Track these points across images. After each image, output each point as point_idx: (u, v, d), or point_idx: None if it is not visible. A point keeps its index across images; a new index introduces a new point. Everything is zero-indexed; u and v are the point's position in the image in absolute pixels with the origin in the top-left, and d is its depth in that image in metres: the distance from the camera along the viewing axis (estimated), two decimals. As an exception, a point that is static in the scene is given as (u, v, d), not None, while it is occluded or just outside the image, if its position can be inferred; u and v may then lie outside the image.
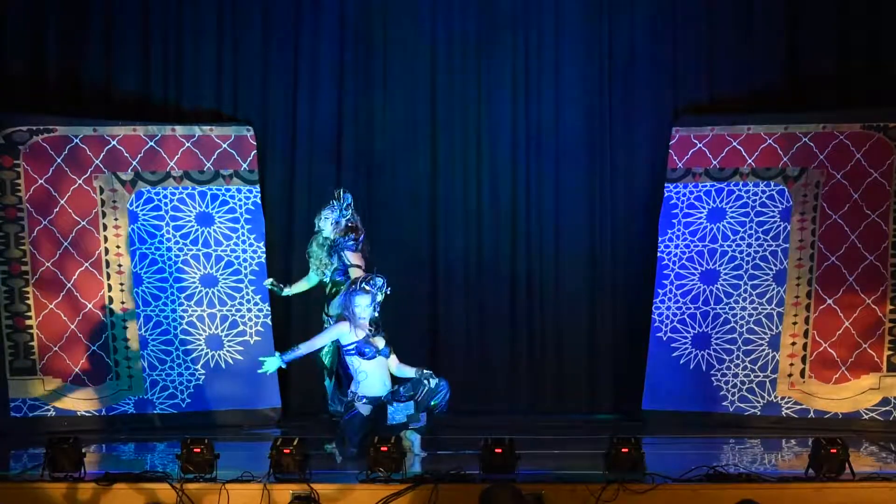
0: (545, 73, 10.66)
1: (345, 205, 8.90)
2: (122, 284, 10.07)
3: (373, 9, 10.66)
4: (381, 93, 10.68)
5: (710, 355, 10.19)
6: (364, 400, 8.17)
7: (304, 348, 8.29)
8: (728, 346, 10.16)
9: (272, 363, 8.19)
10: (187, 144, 10.26)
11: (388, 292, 8.30)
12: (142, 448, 9.23)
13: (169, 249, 10.20)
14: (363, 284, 8.23)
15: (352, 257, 8.79)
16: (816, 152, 10.06)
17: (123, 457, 9.05)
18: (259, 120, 10.55)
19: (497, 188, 10.72)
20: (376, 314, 8.29)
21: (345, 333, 8.22)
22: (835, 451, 7.01)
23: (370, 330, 8.24)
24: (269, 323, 10.25)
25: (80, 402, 9.90)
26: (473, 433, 8.29)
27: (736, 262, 10.20)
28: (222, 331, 10.22)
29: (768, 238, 10.15)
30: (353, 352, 8.21)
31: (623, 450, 7.00)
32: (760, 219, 10.18)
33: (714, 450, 8.95)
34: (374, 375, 8.21)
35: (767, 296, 10.12)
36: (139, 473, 7.23)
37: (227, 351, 10.21)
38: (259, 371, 8.31)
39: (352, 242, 8.81)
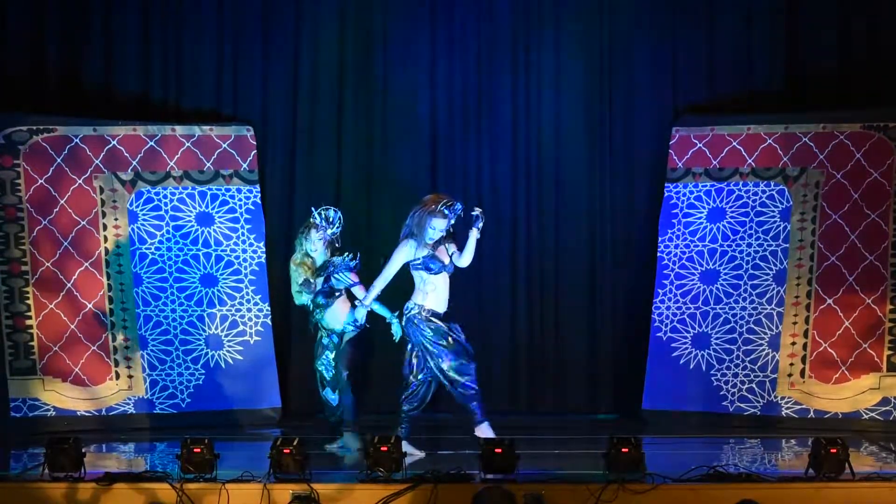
0: (545, 73, 10.65)
1: (338, 221, 8.72)
2: (122, 284, 10.08)
3: (373, 9, 10.66)
4: (381, 93, 10.68)
5: (710, 355, 10.19)
6: (429, 314, 8.30)
7: (379, 283, 8.38)
8: (728, 346, 10.16)
9: (361, 313, 8.45)
10: (187, 144, 10.26)
11: (461, 215, 8.43)
12: (142, 448, 9.23)
13: (169, 249, 10.20)
14: (443, 208, 8.30)
15: (352, 277, 8.70)
16: (816, 152, 10.06)
17: (123, 457, 9.05)
18: (259, 120, 10.54)
19: (497, 188, 10.71)
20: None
21: (410, 252, 8.32)
22: (835, 450, 7.02)
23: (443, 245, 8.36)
24: (269, 323, 10.24)
25: (80, 402, 9.91)
26: (473, 433, 8.29)
27: (736, 262, 10.20)
28: (222, 331, 10.22)
29: (768, 238, 10.15)
30: (420, 266, 8.34)
31: (623, 450, 7.00)
32: (760, 219, 10.18)
33: (714, 450, 8.96)
34: (440, 290, 8.36)
35: (767, 296, 10.12)
36: (139, 473, 7.24)
37: (228, 351, 10.22)
38: (356, 322, 8.49)
39: (351, 263, 8.65)
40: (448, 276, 8.42)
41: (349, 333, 8.67)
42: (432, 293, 8.35)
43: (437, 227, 8.30)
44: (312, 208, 8.80)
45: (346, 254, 8.64)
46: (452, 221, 8.37)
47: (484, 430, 8.20)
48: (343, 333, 8.67)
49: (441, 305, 8.38)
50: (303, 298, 8.78)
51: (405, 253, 8.36)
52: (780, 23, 10.40)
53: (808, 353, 9.97)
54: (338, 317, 8.68)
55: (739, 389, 10.08)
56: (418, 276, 8.39)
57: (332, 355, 8.68)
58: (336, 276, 8.61)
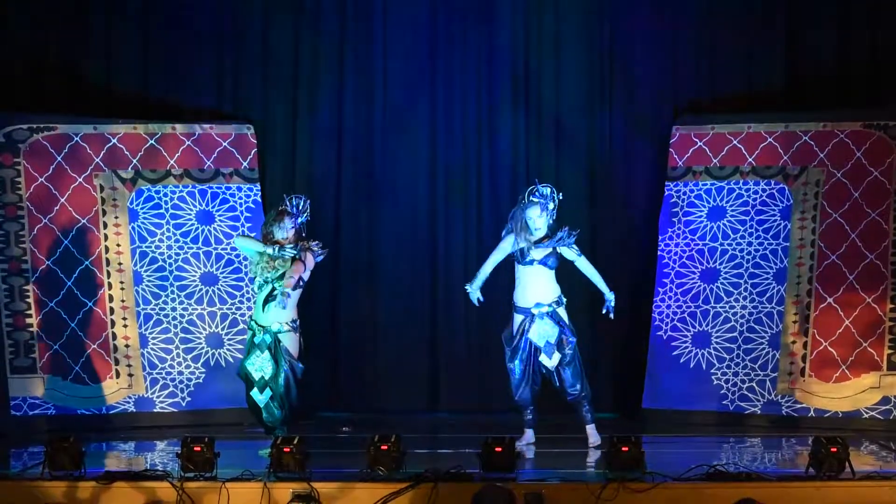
0: (545, 73, 10.65)
1: (305, 209, 8.73)
2: (122, 283, 10.08)
3: (373, 8, 10.66)
4: (381, 92, 10.68)
5: (710, 354, 10.19)
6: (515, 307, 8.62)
7: (485, 269, 8.65)
8: (728, 345, 10.16)
9: (474, 295, 8.63)
10: (187, 143, 10.26)
11: (561, 197, 8.72)
12: (142, 447, 9.24)
13: (169, 248, 10.20)
14: (530, 197, 8.61)
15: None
16: (817, 151, 10.06)
17: (123, 455, 9.06)
18: (259, 118, 10.54)
19: (497, 186, 10.71)
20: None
21: (507, 247, 8.60)
22: (835, 449, 7.02)
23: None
24: (270, 321, 10.24)
25: (81, 401, 9.91)
26: (473, 432, 8.29)
27: (736, 261, 10.20)
28: (222, 329, 10.23)
29: (768, 237, 10.15)
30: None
31: (623, 448, 7.01)
32: (761, 217, 10.18)
33: (714, 448, 8.96)
34: (522, 284, 8.59)
35: (767, 294, 10.12)
36: (139, 472, 7.23)
37: (228, 349, 10.22)
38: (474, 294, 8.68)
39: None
40: (542, 270, 8.66)
41: (283, 335, 8.60)
42: (517, 288, 8.67)
43: (533, 215, 8.65)
44: (284, 195, 8.83)
45: (301, 242, 8.63)
46: (551, 206, 8.71)
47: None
48: (278, 334, 8.60)
49: (525, 300, 8.65)
50: (261, 285, 8.67)
51: (504, 245, 8.63)
52: (781, 23, 10.40)
53: (809, 352, 9.97)
54: (279, 315, 8.61)
55: (739, 388, 10.08)
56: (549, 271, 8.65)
57: (263, 356, 8.60)
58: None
